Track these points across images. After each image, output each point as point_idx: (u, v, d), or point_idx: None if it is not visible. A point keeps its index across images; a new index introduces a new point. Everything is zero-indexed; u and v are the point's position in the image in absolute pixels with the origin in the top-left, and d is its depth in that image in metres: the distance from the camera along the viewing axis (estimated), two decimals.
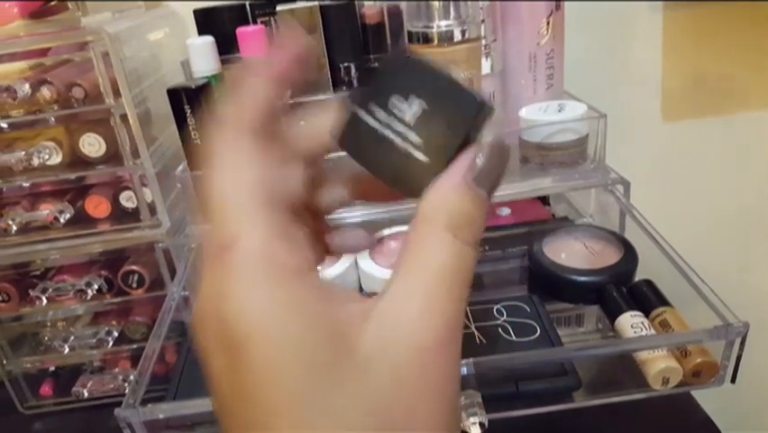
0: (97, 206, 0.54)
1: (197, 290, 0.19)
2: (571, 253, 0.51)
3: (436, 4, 0.48)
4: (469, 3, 0.48)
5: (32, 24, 0.54)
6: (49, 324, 0.59)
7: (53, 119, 0.51)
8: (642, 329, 0.42)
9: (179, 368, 0.46)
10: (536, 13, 0.54)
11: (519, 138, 0.54)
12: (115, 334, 0.58)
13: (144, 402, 0.39)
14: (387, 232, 0.56)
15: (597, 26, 0.74)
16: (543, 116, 0.53)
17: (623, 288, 0.47)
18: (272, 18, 0.59)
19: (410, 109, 0.21)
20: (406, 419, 0.17)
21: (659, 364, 0.39)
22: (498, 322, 0.46)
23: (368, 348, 0.18)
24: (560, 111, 0.53)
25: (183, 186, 0.52)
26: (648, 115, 0.81)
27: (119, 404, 0.38)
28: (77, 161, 0.53)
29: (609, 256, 0.50)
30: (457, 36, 0.49)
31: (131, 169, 0.52)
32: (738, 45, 0.77)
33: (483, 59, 0.54)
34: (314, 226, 0.24)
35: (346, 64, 0.55)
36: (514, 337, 0.44)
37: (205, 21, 0.60)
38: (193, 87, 0.50)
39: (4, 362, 0.58)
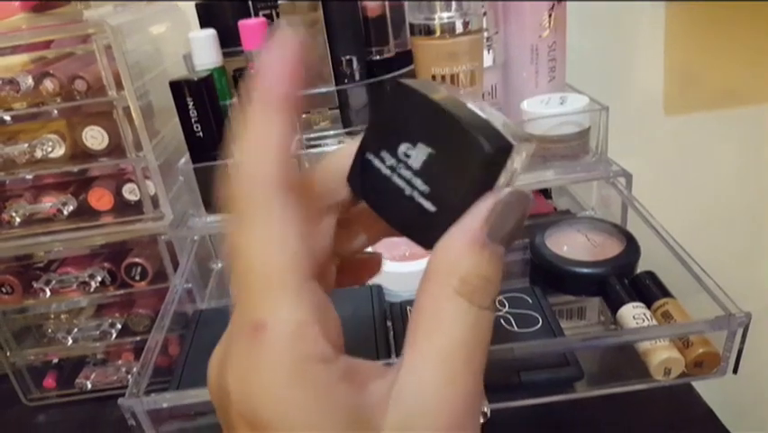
0: (100, 198, 0.55)
1: (223, 357, 0.19)
2: (573, 245, 0.51)
3: None
4: None
5: (34, 17, 0.54)
6: (52, 316, 0.60)
7: (56, 112, 0.51)
8: (644, 320, 0.42)
9: (182, 360, 0.46)
10: (538, 5, 0.54)
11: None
12: (119, 326, 0.58)
13: (147, 393, 0.39)
14: None
15: (598, 19, 0.74)
16: (545, 109, 0.53)
17: (625, 279, 0.47)
18: (274, 11, 0.59)
19: (417, 154, 0.19)
20: None
21: (661, 355, 0.40)
22: (500, 313, 0.46)
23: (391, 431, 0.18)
24: (562, 103, 0.53)
25: (186, 178, 0.52)
26: (650, 109, 0.80)
27: (122, 396, 0.39)
28: (79, 153, 0.53)
29: (611, 248, 0.50)
30: (459, 28, 0.49)
31: (133, 161, 0.52)
32: (741, 38, 0.77)
33: (485, 52, 0.54)
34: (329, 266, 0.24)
35: (348, 57, 0.55)
36: (516, 328, 0.44)
37: (207, 14, 0.60)
38: (195, 79, 0.50)
39: (8, 354, 0.58)
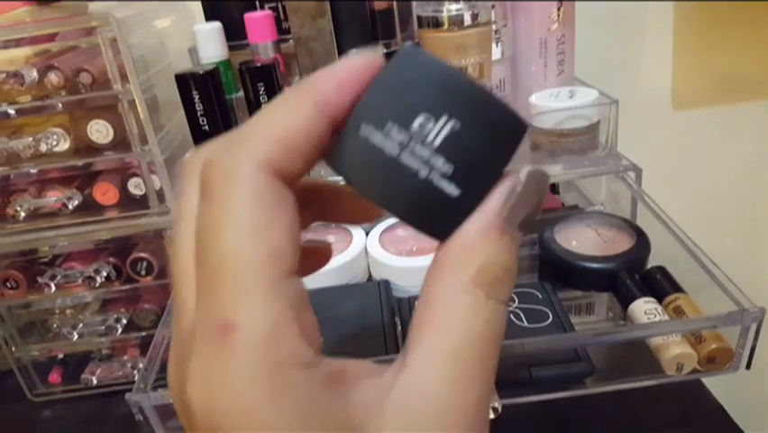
0: (105, 192, 0.54)
1: (181, 362, 0.16)
2: (582, 241, 0.51)
3: None
4: None
5: (38, 10, 0.54)
6: (57, 311, 0.59)
7: (61, 105, 0.50)
8: (656, 315, 0.42)
9: None
10: None
11: (530, 124, 0.54)
12: (124, 321, 0.58)
13: (155, 388, 0.39)
14: (395, 219, 0.56)
15: (607, 12, 0.73)
16: (553, 102, 0.52)
17: (636, 274, 0.46)
18: (280, 4, 0.59)
19: (436, 129, 0.16)
20: None
21: (673, 350, 0.39)
22: (510, 308, 0.45)
23: None
24: (571, 97, 0.53)
25: None
26: (658, 103, 0.80)
27: (128, 391, 0.38)
28: (84, 147, 0.53)
29: (621, 243, 0.49)
30: (467, 20, 0.48)
31: (139, 155, 0.52)
32: (750, 32, 0.76)
33: (494, 45, 0.54)
34: None
35: (354, 50, 0.55)
36: (526, 324, 0.44)
37: (213, 7, 0.59)
38: (201, 72, 0.50)
39: (13, 349, 0.58)
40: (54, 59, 0.51)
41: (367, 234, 0.55)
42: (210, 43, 0.55)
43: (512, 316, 0.44)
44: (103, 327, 0.57)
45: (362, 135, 0.17)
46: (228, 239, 0.15)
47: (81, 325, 0.58)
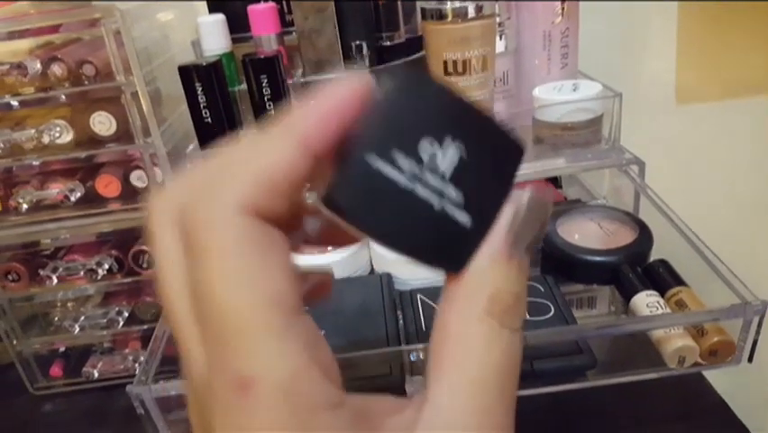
0: (108, 185, 0.54)
1: (202, 423, 0.17)
2: (585, 234, 0.51)
3: None
4: None
5: (42, 2, 0.54)
6: (59, 304, 0.59)
7: (64, 97, 0.50)
8: (658, 308, 0.42)
9: None
10: None
11: (533, 118, 0.54)
12: (126, 314, 0.58)
13: (156, 381, 0.39)
14: None
15: (611, 6, 0.73)
16: (557, 96, 0.52)
17: (638, 268, 0.46)
18: None
19: (446, 155, 0.16)
20: None
21: (675, 343, 0.39)
22: None
23: None
24: (574, 90, 0.53)
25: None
26: (662, 97, 0.80)
27: (129, 385, 0.38)
28: (87, 139, 0.53)
29: (624, 236, 0.49)
30: (471, 13, 0.48)
31: (141, 147, 0.52)
32: (754, 27, 0.76)
33: (497, 38, 0.54)
34: None
35: (358, 42, 0.55)
36: (528, 317, 0.44)
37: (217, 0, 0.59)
38: (204, 64, 0.50)
39: (15, 342, 0.57)
40: (57, 50, 0.51)
41: None
42: (213, 36, 0.54)
43: None
44: (104, 320, 0.57)
45: (367, 168, 0.15)
46: (225, 293, 0.15)
47: (83, 318, 0.58)
